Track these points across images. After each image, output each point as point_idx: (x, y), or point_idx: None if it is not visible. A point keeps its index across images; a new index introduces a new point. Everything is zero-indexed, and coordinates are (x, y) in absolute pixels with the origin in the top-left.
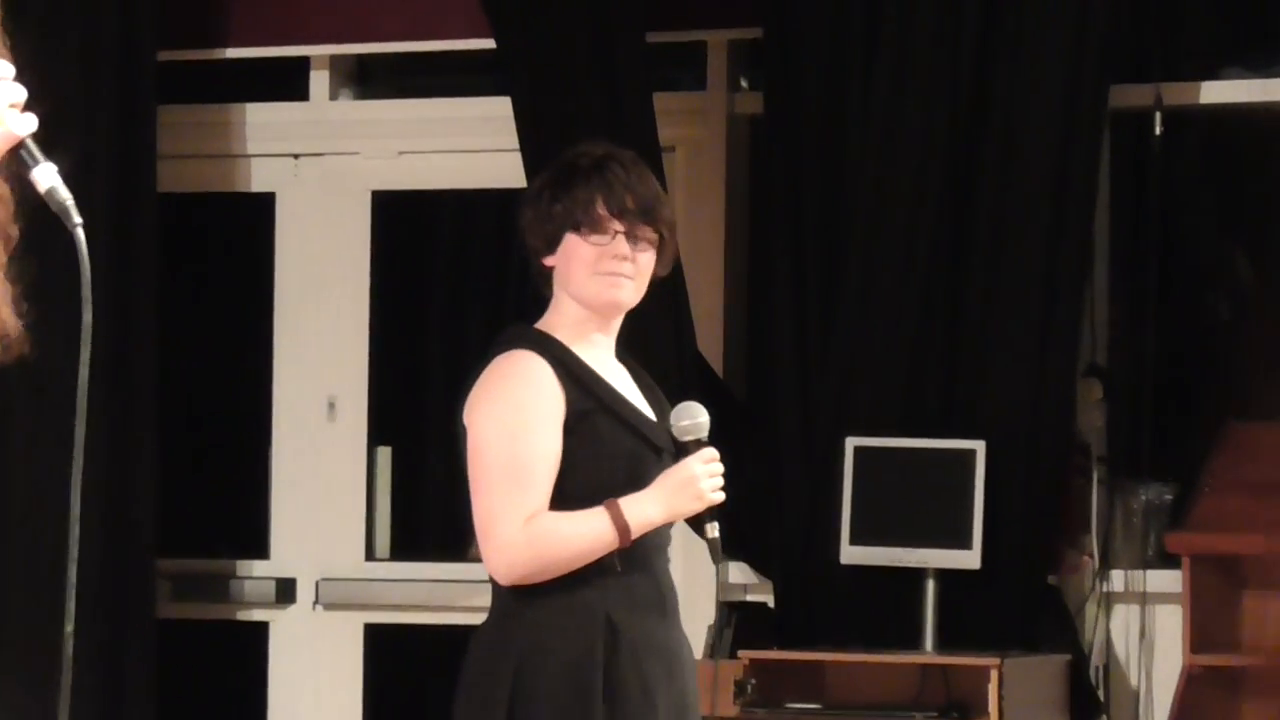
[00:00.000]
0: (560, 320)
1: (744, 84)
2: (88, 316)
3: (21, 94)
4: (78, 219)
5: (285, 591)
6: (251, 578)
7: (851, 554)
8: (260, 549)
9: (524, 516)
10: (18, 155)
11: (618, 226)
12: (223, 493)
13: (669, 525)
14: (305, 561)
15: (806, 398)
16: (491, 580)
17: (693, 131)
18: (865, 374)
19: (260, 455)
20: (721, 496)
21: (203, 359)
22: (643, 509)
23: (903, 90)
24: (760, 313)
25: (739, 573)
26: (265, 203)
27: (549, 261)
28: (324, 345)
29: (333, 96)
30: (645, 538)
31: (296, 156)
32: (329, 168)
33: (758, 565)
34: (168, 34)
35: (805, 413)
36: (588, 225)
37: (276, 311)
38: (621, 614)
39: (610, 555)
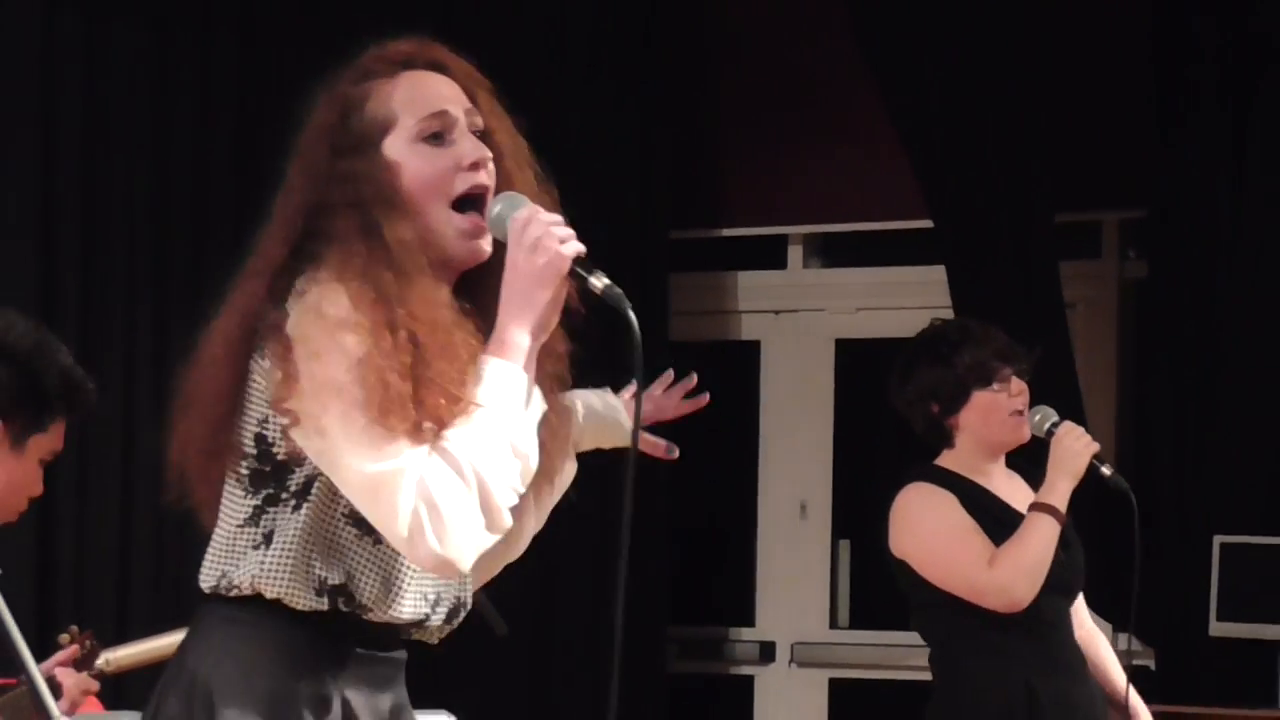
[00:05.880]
0: (959, 459)
1: (1131, 254)
2: (637, 388)
3: (569, 231)
4: (629, 308)
5: (767, 653)
6: (740, 641)
7: (1218, 628)
8: (748, 618)
9: (985, 562)
10: (574, 274)
11: (1008, 370)
12: (718, 574)
13: (1074, 597)
14: (783, 629)
15: (1182, 501)
16: (930, 657)
17: (1089, 292)
18: (1233, 483)
19: (747, 545)
20: (1097, 444)
21: (703, 472)
22: (1055, 490)
23: (1264, 256)
24: (1145, 435)
25: (1125, 642)
26: (753, 349)
27: (954, 421)
28: (797, 460)
29: (805, 265)
30: (1052, 611)
31: (776, 313)
32: (802, 322)
33: (1143, 636)
34: (679, 216)
35: (1182, 513)
36: (991, 380)
37: (761, 433)
38: (1039, 679)
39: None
